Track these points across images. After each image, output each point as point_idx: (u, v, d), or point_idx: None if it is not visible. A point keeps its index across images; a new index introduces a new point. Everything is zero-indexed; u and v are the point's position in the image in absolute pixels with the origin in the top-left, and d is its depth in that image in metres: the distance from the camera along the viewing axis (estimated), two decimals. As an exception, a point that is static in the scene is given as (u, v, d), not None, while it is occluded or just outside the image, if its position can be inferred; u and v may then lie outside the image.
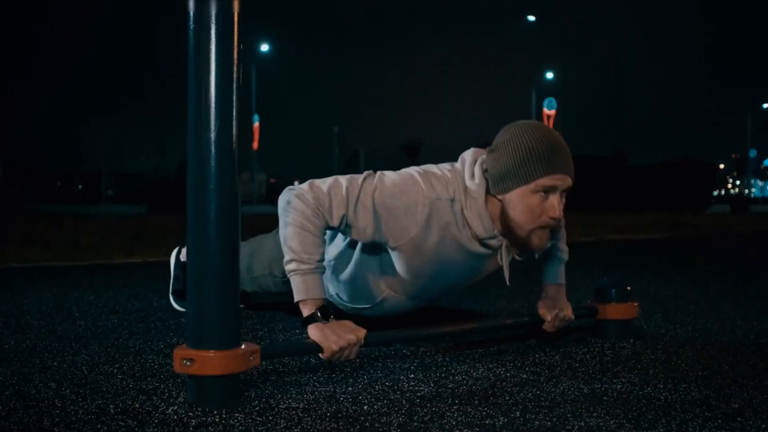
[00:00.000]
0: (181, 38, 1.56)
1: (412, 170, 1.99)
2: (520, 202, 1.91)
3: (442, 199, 1.93)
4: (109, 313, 2.74)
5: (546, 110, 37.58)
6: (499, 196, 1.94)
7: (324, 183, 1.92)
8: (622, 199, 18.20)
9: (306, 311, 1.79)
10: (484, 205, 1.95)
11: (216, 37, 1.49)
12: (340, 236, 2.15)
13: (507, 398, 1.64)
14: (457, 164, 2.02)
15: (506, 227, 1.96)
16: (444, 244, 1.97)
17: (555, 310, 2.16)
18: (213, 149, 1.50)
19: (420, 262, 1.99)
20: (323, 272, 1.85)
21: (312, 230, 1.85)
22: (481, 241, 1.98)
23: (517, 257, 2.05)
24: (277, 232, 2.36)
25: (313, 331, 1.75)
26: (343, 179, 1.94)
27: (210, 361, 1.49)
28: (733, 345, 2.26)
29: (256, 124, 43.38)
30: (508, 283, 2.06)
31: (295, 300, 1.82)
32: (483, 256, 2.03)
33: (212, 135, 1.50)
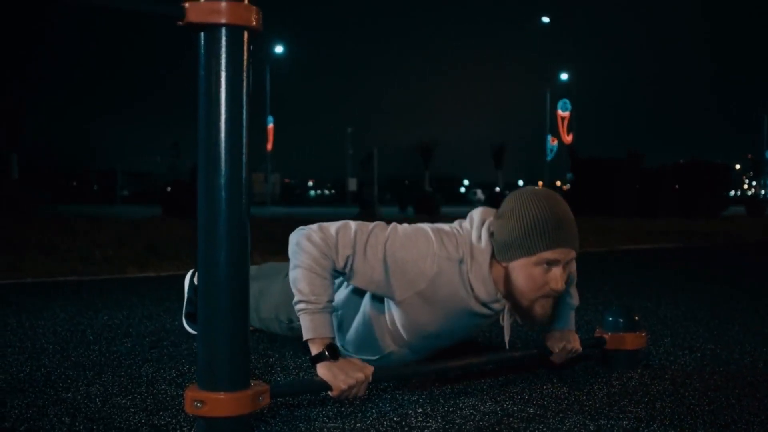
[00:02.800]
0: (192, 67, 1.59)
1: (426, 226, 2.02)
2: (522, 272, 1.94)
3: (451, 259, 1.95)
4: (123, 336, 2.78)
5: (560, 112, 37.49)
6: (504, 264, 1.96)
7: (333, 225, 1.96)
8: (635, 202, 18.14)
9: (314, 350, 1.82)
10: (488, 269, 1.97)
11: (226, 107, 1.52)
12: (345, 290, 2.16)
13: (513, 436, 1.66)
14: (466, 223, 2.05)
15: (509, 293, 1.99)
16: (449, 301, 1.99)
17: (563, 342, 2.18)
18: (223, 194, 1.53)
19: (424, 317, 2.01)
20: (332, 311, 1.88)
21: (320, 272, 1.88)
22: (484, 303, 2.01)
23: (519, 321, 2.07)
24: (285, 275, 2.38)
25: (322, 370, 1.77)
26: (353, 223, 1.98)
27: (220, 404, 1.52)
28: (741, 374, 2.26)
29: (270, 126, 43.49)
30: (507, 347, 2.10)
31: (304, 338, 1.85)
32: (485, 315, 2.05)
33: (222, 180, 1.53)
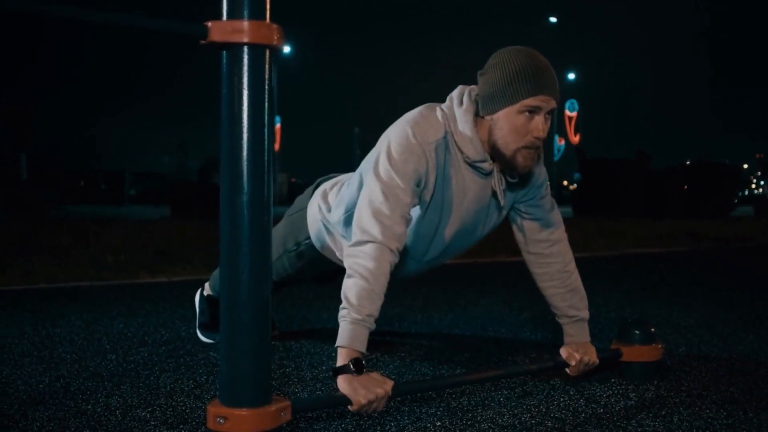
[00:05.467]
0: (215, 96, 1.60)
1: (404, 126, 2.06)
2: (506, 122, 2.02)
3: (437, 140, 2.04)
4: (139, 345, 2.79)
5: (568, 112, 37.49)
6: (487, 117, 2.05)
7: (365, 218, 1.96)
8: (643, 203, 18.08)
9: (340, 360, 1.83)
10: (473, 128, 2.06)
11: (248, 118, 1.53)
12: (353, 194, 2.20)
13: (532, 451, 1.67)
14: (446, 102, 2.13)
15: (494, 149, 2.06)
16: (446, 179, 2.08)
17: (579, 355, 2.18)
18: (246, 212, 1.53)
19: (430, 212, 2.11)
20: (372, 329, 1.88)
21: (372, 282, 1.89)
22: (474, 167, 2.08)
23: (510, 179, 2.16)
24: (286, 215, 2.57)
25: (343, 384, 1.78)
26: (373, 201, 1.98)
27: (243, 420, 1.53)
28: (758, 387, 2.26)
29: (278, 125, 43.56)
30: (502, 204, 2.19)
31: (336, 344, 1.86)
32: (479, 182, 2.12)
33: (245, 197, 1.54)
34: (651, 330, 2.32)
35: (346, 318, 1.86)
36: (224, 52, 1.54)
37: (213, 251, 6.53)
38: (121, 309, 3.66)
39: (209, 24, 1.51)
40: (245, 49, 1.52)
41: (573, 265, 2.35)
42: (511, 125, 2.01)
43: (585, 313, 2.32)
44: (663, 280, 5.51)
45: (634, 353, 2.29)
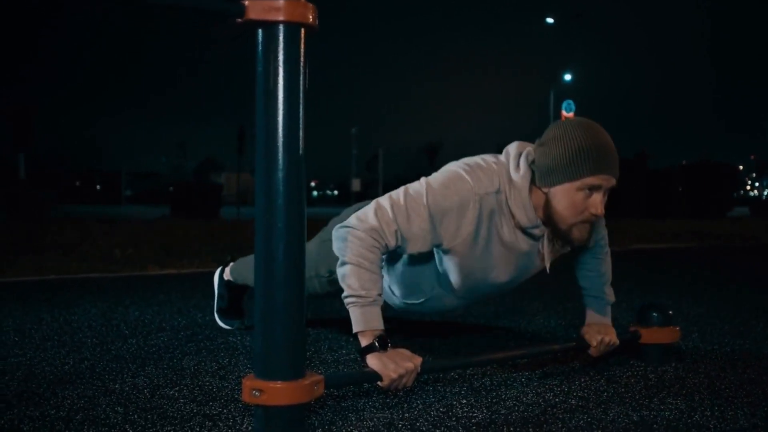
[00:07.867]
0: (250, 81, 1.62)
1: (457, 167, 2.05)
2: (564, 197, 1.99)
3: (489, 192, 2.00)
4: (157, 331, 2.81)
5: (564, 113, 37.51)
6: (545, 189, 2.01)
7: (368, 210, 1.98)
8: (643, 202, 18.13)
9: (364, 341, 1.86)
10: (528, 195, 2.02)
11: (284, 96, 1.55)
12: None
13: (560, 426, 1.69)
14: (502, 156, 2.10)
15: (549, 218, 2.03)
16: (491, 236, 2.03)
17: (601, 335, 2.21)
18: (281, 188, 1.56)
19: (470, 261, 2.06)
20: (381, 303, 1.91)
21: (368, 266, 1.91)
22: (524, 231, 2.05)
23: (558, 247, 2.13)
24: (319, 238, 2.43)
25: (372, 361, 1.81)
26: (383, 200, 2.00)
27: (278, 392, 1.55)
28: (774, 369, 2.29)
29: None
30: (548, 271, 2.15)
31: (354, 330, 1.89)
32: (527, 244, 2.09)
33: (280, 174, 1.56)
34: (669, 313, 2.35)
35: (356, 304, 1.89)
36: (260, 30, 1.56)
37: (219, 247, 6.55)
38: (134, 298, 3.68)
39: (246, 2, 1.53)
40: (281, 27, 1.55)
41: (606, 251, 2.39)
42: (569, 201, 1.98)
43: (611, 296, 2.36)
44: (670, 273, 5.54)
45: (653, 335, 2.32)
